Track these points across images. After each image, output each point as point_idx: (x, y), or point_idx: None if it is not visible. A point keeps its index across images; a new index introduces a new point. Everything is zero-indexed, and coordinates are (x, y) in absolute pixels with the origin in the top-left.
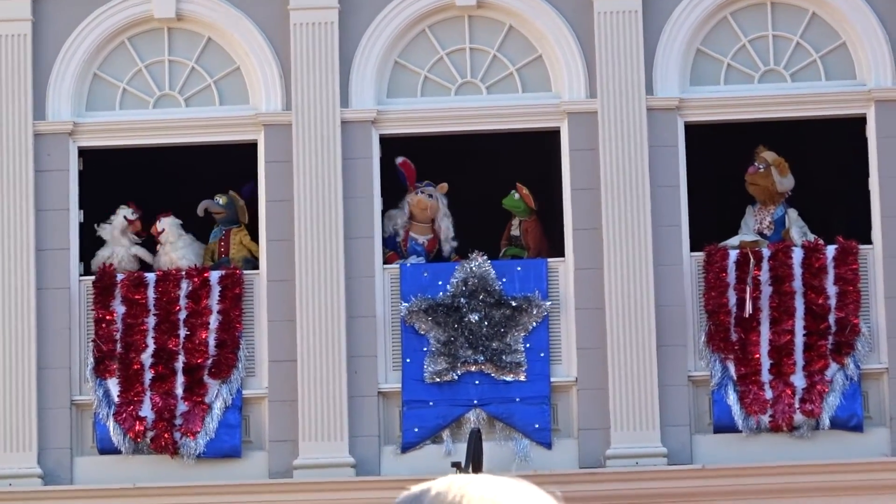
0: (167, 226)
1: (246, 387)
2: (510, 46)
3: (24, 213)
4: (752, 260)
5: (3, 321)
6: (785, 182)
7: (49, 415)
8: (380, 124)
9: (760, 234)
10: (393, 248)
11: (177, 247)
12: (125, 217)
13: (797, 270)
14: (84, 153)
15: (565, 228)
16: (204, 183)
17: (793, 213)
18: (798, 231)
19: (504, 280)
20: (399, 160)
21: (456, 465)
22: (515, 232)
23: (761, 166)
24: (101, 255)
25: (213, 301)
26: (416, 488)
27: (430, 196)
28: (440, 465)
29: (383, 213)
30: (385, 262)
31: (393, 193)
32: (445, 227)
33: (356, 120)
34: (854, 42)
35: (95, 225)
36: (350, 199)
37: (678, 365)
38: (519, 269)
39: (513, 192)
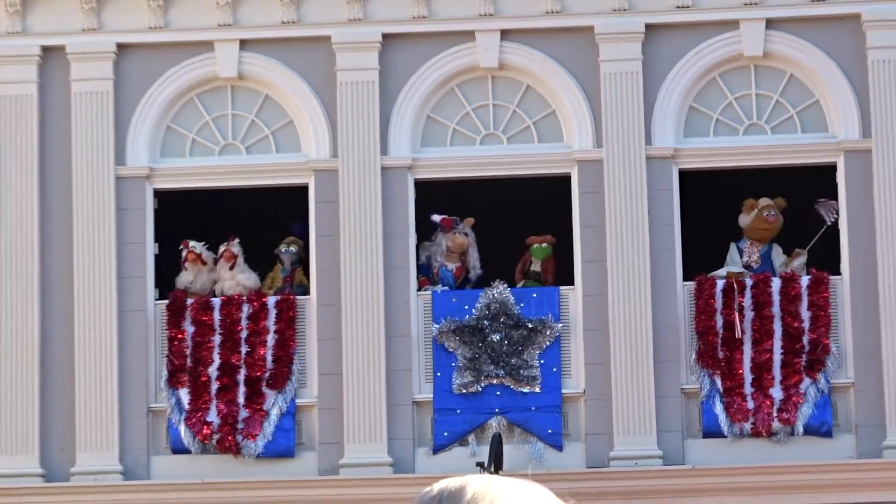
0: (234, 248)
1: (298, 396)
2: (528, 103)
3: (107, 245)
4: (736, 288)
5: (89, 339)
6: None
7: (129, 420)
8: (415, 170)
9: (748, 266)
10: (426, 275)
11: (241, 269)
12: (194, 250)
13: (776, 298)
14: (158, 194)
15: (575, 260)
16: (262, 221)
17: (777, 249)
18: (778, 263)
19: (522, 305)
20: (437, 218)
21: (480, 464)
22: (535, 268)
23: (773, 213)
24: (182, 280)
25: (271, 322)
26: (451, 483)
27: (466, 235)
28: (466, 464)
29: (417, 246)
30: (418, 287)
31: (425, 227)
32: (473, 258)
33: (394, 166)
34: (826, 99)
35: (183, 268)
36: (389, 234)
37: (672, 379)
38: (535, 295)
39: (544, 244)
